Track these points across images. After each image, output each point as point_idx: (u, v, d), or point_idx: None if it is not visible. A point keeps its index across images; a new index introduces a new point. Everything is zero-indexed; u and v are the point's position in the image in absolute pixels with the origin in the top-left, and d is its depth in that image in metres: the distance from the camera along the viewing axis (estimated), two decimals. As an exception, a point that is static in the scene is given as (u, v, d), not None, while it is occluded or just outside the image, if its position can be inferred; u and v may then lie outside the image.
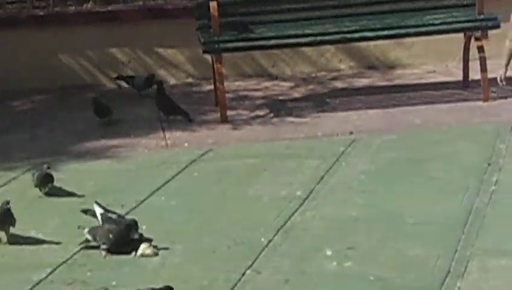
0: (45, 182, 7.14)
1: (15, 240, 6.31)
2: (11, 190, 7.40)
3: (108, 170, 7.80)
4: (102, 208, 6.33)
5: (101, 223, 6.20)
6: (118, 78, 10.19)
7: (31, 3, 10.62)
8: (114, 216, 6.27)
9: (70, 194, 7.15)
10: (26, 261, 6.04)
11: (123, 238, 6.04)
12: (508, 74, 9.16)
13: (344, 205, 6.61)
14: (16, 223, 6.19)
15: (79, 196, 7.06)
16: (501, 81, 6.98)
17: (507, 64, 6.93)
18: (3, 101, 9.67)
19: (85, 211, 6.44)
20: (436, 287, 5.34)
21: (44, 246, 6.25)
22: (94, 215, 6.31)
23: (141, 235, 6.12)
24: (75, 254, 6.06)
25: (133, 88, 9.98)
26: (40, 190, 7.14)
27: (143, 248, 5.98)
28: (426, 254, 5.78)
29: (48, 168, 7.21)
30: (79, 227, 6.39)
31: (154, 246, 6.00)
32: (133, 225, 6.13)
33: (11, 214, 6.15)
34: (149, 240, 6.07)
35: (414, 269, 5.60)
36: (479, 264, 5.60)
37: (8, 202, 6.21)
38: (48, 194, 7.10)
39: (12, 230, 6.33)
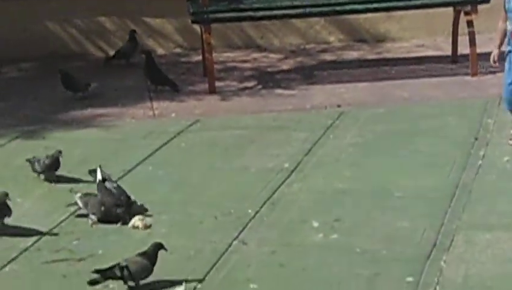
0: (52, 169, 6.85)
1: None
2: (-2, 157, 7.43)
3: (95, 139, 7.80)
4: (103, 176, 6.33)
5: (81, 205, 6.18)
6: (108, 59, 10.10)
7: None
8: (110, 186, 6.26)
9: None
10: (12, 229, 6.04)
11: (114, 211, 6.04)
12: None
13: (331, 177, 6.63)
14: (11, 214, 6.12)
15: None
16: (494, 62, 6.96)
17: (500, 45, 6.90)
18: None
19: (90, 172, 6.53)
20: (422, 259, 5.37)
21: (31, 214, 6.26)
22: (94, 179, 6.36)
23: (134, 202, 6.16)
24: (61, 222, 6.07)
25: (121, 58, 9.95)
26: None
27: (134, 220, 5.99)
28: (413, 227, 5.80)
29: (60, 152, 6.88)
30: (71, 190, 6.39)
31: (145, 220, 6.02)
32: (128, 198, 6.15)
33: (8, 206, 6.03)
34: (143, 211, 6.09)
35: (400, 241, 5.62)
36: (465, 237, 5.63)
37: (6, 194, 6.03)
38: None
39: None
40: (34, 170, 6.78)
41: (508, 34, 6.72)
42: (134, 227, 5.98)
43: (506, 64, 6.85)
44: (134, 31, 10.05)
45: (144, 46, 10.11)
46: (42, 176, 6.79)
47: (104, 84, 9.35)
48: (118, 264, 5.15)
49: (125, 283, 5.17)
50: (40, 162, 6.74)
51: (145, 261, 5.19)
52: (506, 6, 6.69)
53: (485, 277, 5.15)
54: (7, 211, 5.95)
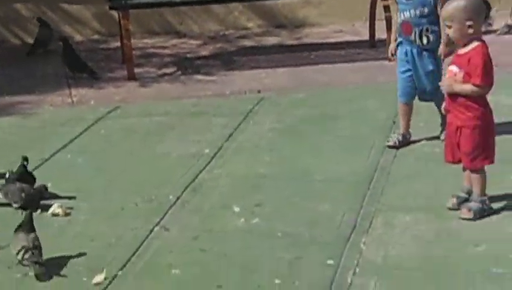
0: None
1: None
2: None
3: (13, 126, 7.75)
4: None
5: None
6: (31, 51, 9.97)
7: None
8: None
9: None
10: None
11: (34, 196, 6.01)
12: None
13: (252, 162, 6.66)
14: None
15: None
16: (391, 55, 7.02)
17: (396, 38, 6.92)
18: None
19: None
20: (342, 242, 5.42)
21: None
22: None
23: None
24: (-20, 212, 6.02)
25: (38, 47, 9.86)
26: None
27: (54, 207, 5.96)
28: (333, 210, 5.86)
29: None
30: None
31: (65, 207, 6.00)
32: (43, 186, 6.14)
33: None
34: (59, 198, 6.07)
35: (321, 225, 5.67)
36: (384, 220, 5.70)
37: None
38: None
39: None
40: None
41: (398, 25, 6.76)
42: (54, 214, 5.94)
43: (398, 55, 6.90)
44: (40, 18, 9.93)
45: (61, 33, 10.03)
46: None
47: (22, 71, 9.26)
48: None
49: None
50: None
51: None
52: None
53: (404, 258, 5.23)
54: None
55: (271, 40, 10.20)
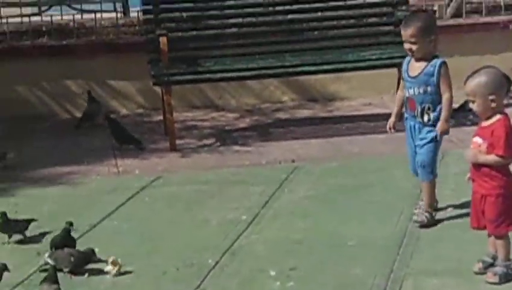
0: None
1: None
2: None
3: (63, 195, 7.76)
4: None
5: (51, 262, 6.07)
6: (79, 124, 10.03)
7: (-13, 37, 10.59)
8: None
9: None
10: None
11: (83, 260, 6.01)
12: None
13: (287, 228, 6.64)
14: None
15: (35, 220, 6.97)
16: (389, 129, 6.94)
17: (397, 113, 6.81)
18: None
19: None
20: (374, 305, 5.40)
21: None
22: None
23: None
24: (31, 275, 6.02)
25: (86, 120, 9.91)
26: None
27: (111, 267, 5.96)
28: (364, 273, 5.82)
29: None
30: (38, 254, 6.33)
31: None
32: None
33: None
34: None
35: (353, 288, 5.64)
36: (413, 283, 5.66)
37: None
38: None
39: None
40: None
41: (404, 101, 6.72)
42: (110, 273, 5.95)
43: (406, 132, 6.81)
44: (89, 92, 10.03)
45: (108, 107, 10.11)
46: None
47: (70, 143, 9.33)
48: None
49: None
50: None
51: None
52: (403, 76, 6.70)
53: (433, 320, 5.19)
54: None
55: (304, 113, 10.22)
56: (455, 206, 6.83)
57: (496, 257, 5.69)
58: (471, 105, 5.68)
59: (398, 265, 5.93)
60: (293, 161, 8.40)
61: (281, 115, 10.20)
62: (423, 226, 6.49)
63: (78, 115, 10.11)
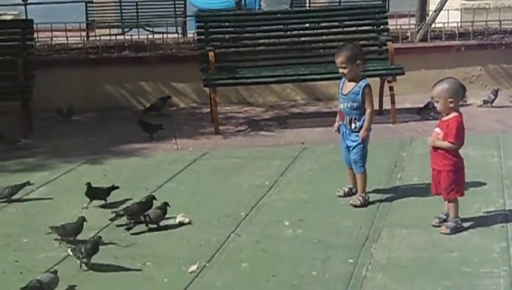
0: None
1: (70, 210, 6.30)
2: (70, 177, 7.39)
3: (137, 165, 7.79)
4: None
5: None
6: (145, 111, 10.00)
7: (86, 50, 10.60)
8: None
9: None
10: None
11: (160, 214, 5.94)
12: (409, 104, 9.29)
13: (298, 191, 6.65)
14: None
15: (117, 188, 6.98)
16: (335, 131, 6.50)
17: (339, 120, 6.39)
18: (68, 116, 9.62)
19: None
20: (359, 246, 5.40)
21: (92, 214, 6.24)
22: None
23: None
24: (113, 221, 6.05)
25: (154, 110, 9.93)
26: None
27: (180, 216, 5.97)
28: (353, 225, 5.83)
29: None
30: (114, 213, 6.28)
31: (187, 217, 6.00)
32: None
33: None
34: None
35: (344, 235, 5.65)
36: (388, 232, 5.66)
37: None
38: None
39: (68, 205, 6.29)
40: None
41: (338, 112, 6.41)
42: (180, 222, 5.94)
43: (340, 135, 6.46)
44: (169, 96, 10.02)
45: (170, 102, 10.13)
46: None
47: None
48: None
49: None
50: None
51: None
52: (338, 92, 6.38)
53: (401, 259, 5.20)
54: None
55: (311, 109, 10.18)
56: (419, 178, 6.81)
57: (448, 215, 5.68)
58: (435, 104, 5.67)
59: (377, 219, 5.93)
60: (303, 143, 8.39)
61: (295, 110, 10.16)
62: (357, 206, 6.15)
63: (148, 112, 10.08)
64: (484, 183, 6.58)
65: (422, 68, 10.31)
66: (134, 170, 7.58)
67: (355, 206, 6.16)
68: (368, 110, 6.17)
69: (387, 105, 9.28)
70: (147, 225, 5.80)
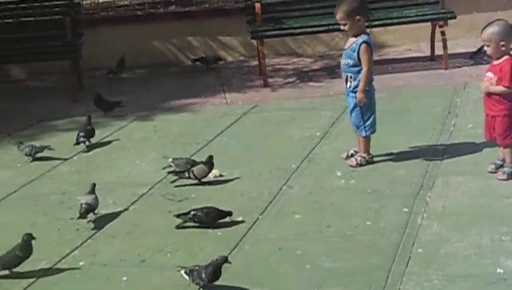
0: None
1: (123, 166, 6.36)
2: (122, 133, 7.45)
3: (187, 120, 7.81)
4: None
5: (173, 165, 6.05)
6: (194, 60, 10.06)
7: (133, 7, 10.59)
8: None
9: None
10: (132, 180, 6.09)
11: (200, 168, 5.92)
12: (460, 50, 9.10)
13: (349, 141, 6.53)
14: None
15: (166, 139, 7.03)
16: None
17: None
18: (117, 73, 9.67)
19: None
20: (414, 195, 5.34)
21: (145, 170, 6.30)
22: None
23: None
24: (166, 176, 6.09)
25: (204, 64, 9.93)
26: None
27: (214, 172, 5.98)
28: (406, 173, 5.76)
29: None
30: (164, 157, 6.39)
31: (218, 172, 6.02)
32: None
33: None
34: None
35: (398, 184, 5.59)
36: (443, 180, 5.59)
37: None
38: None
39: (121, 161, 6.34)
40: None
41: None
42: (215, 176, 5.97)
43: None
44: (219, 58, 9.98)
45: (218, 55, 10.09)
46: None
47: (192, 82, 9.36)
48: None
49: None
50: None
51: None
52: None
53: (457, 207, 5.13)
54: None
55: (361, 57, 10.04)
56: (474, 124, 6.67)
57: (504, 160, 5.56)
58: (485, 48, 5.51)
59: (431, 167, 5.84)
60: (353, 92, 8.27)
61: (344, 59, 10.03)
62: (358, 165, 5.92)
63: (197, 63, 10.07)
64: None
65: (474, 11, 10.03)
66: (185, 125, 7.60)
67: (351, 166, 5.93)
68: (364, 70, 5.81)
69: (439, 50, 9.08)
70: (196, 180, 5.81)
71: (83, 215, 5.19)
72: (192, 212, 5.07)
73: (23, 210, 5.63)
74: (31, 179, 6.27)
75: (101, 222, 5.27)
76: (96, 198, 5.30)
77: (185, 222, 5.08)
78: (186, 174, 5.85)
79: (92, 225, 5.21)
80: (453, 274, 4.21)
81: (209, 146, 6.78)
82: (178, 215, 5.11)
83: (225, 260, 4.19)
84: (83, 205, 5.21)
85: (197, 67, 9.94)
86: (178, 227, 5.06)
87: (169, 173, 6.04)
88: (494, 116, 5.48)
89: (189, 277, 4.23)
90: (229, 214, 5.07)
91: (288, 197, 5.50)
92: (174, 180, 5.91)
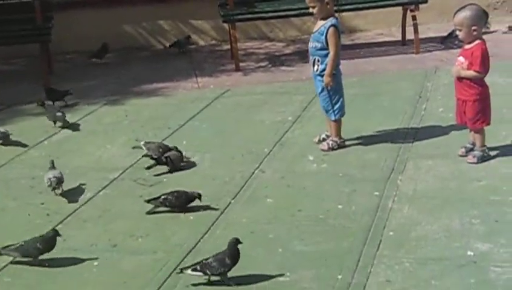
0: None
1: (93, 151, 6.32)
2: (92, 118, 7.39)
3: (159, 104, 7.78)
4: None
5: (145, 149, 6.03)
6: (170, 46, 9.96)
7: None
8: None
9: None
10: (103, 165, 6.05)
11: (166, 151, 5.91)
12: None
13: (321, 125, 6.52)
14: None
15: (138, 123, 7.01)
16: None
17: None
18: (86, 57, 9.58)
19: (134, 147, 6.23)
20: (385, 179, 5.36)
21: (116, 155, 6.26)
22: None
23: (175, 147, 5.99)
24: (138, 160, 6.06)
25: (177, 48, 9.86)
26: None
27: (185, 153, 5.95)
28: (377, 157, 5.78)
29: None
30: (136, 140, 6.35)
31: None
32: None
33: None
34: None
35: (369, 168, 5.61)
36: (413, 164, 5.61)
37: None
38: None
39: (91, 146, 6.29)
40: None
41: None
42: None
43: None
44: (189, 36, 9.95)
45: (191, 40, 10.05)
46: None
47: (163, 66, 9.30)
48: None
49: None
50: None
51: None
52: None
53: (427, 190, 5.16)
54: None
55: (333, 42, 10.05)
56: (444, 108, 6.71)
57: (474, 144, 5.61)
58: (457, 33, 5.53)
59: (402, 151, 5.87)
60: (325, 77, 8.27)
61: (316, 43, 10.03)
62: (330, 149, 5.93)
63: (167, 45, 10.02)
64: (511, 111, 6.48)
65: (446, -5, 10.09)
66: (156, 109, 7.56)
67: (322, 150, 5.94)
68: (331, 54, 5.77)
69: (410, 35, 9.11)
70: (168, 166, 5.77)
71: (56, 187, 5.37)
72: (162, 197, 5.05)
73: (-8, 195, 5.57)
74: (1, 164, 6.20)
75: (71, 207, 5.22)
76: (60, 172, 5.44)
77: (156, 207, 5.06)
78: (163, 159, 5.80)
79: (63, 211, 5.16)
80: (424, 257, 4.24)
81: (181, 130, 6.75)
82: (148, 201, 5.09)
83: (238, 241, 4.11)
84: (52, 179, 5.36)
85: (168, 52, 9.88)
86: (149, 213, 5.04)
87: (143, 156, 6.01)
88: (465, 100, 5.51)
89: (202, 271, 4.06)
90: (199, 196, 5.05)
91: (260, 182, 5.50)
92: (150, 166, 5.84)
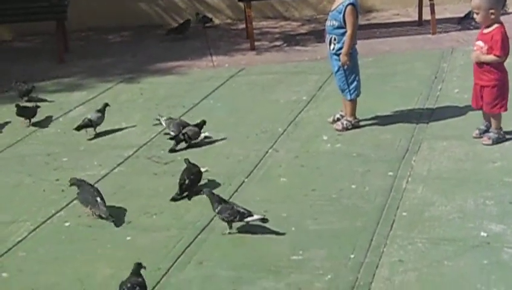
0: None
1: (111, 129, 6.34)
2: (108, 95, 7.41)
3: (173, 82, 7.78)
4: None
5: (165, 125, 6.06)
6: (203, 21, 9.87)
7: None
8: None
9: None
10: (118, 142, 6.08)
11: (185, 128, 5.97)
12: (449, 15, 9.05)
13: (335, 105, 6.52)
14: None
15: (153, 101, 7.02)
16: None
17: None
18: (101, 35, 9.59)
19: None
20: (399, 159, 5.34)
21: (131, 132, 6.28)
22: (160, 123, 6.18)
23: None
24: (152, 138, 6.09)
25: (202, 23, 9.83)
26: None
27: (204, 134, 5.96)
28: (392, 137, 5.76)
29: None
30: (158, 115, 6.34)
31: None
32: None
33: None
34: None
35: (384, 148, 5.59)
36: (428, 144, 5.59)
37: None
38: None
39: (106, 123, 6.31)
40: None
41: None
42: (203, 138, 5.95)
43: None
44: (197, 13, 9.93)
45: (206, 19, 10.03)
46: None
47: (179, 45, 9.30)
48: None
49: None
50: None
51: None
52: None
53: (442, 171, 5.13)
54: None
55: (349, 22, 10.00)
56: (460, 89, 6.68)
57: (490, 126, 5.57)
58: (475, 16, 5.47)
59: (417, 131, 5.84)
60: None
61: (332, 23, 9.98)
62: (344, 129, 5.91)
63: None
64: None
65: (463, -24, 10.01)
66: (171, 87, 7.56)
67: (337, 130, 5.93)
68: (348, 32, 5.75)
69: (427, 15, 9.05)
70: (186, 142, 5.80)
71: (78, 128, 6.07)
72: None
73: (7, 170, 5.61)
74: (17, 140, 6.24)
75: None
76: (102, 117, 6.11)
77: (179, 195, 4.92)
78: (181, 136, 5.81)
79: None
80: (437, 237, 4.23)
81: (196, 109, 6.76)
82: (175, 199, 4.91)
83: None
84: (85, 120, 6.09)
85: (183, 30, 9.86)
86: (174, 199, 4.91)
87: (164, 134, 6.02)
88: (484, 86, 5.45)
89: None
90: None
91: (274, 161, 5.50)
92: (172, 149, 5.75)
